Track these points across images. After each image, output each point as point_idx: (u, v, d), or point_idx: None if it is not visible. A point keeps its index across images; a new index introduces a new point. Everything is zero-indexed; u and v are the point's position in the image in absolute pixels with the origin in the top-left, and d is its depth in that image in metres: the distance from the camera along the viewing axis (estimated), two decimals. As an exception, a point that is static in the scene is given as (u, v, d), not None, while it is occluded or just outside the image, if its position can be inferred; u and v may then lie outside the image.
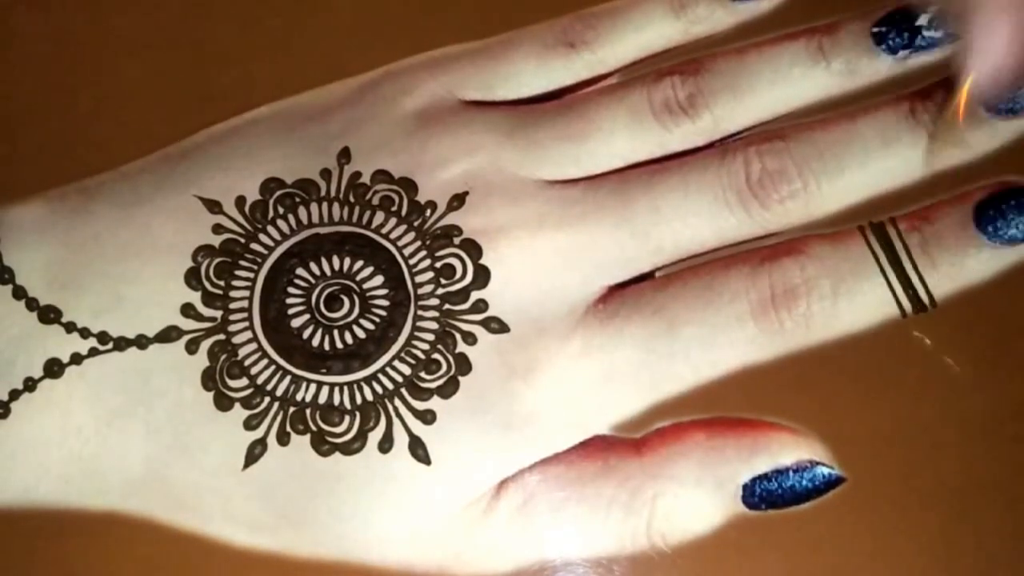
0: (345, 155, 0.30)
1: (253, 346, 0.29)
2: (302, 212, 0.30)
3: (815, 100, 0.30)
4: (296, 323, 0.29)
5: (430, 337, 0.28)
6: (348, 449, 0.28)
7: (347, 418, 0.28)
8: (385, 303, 0.29)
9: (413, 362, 0.28)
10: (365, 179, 0.30)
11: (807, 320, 0.28)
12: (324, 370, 0.28)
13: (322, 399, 0.28)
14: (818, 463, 0.28)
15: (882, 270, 0.28)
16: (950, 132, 0.29)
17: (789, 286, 0.28)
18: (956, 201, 0.29)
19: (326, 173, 0.30)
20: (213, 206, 0.30)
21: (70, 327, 0.28)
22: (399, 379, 0.28)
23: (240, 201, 0.30)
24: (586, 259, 0.29)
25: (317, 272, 0.29)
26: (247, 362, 0.28)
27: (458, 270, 0.29)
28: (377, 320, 0.29)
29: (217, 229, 0.29)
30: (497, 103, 0.31)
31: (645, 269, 0.29)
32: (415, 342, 0.28)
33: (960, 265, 0.28)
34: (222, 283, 0.29)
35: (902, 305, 0.28)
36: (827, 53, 0.30)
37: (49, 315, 0.28)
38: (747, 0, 0.31)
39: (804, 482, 0.28)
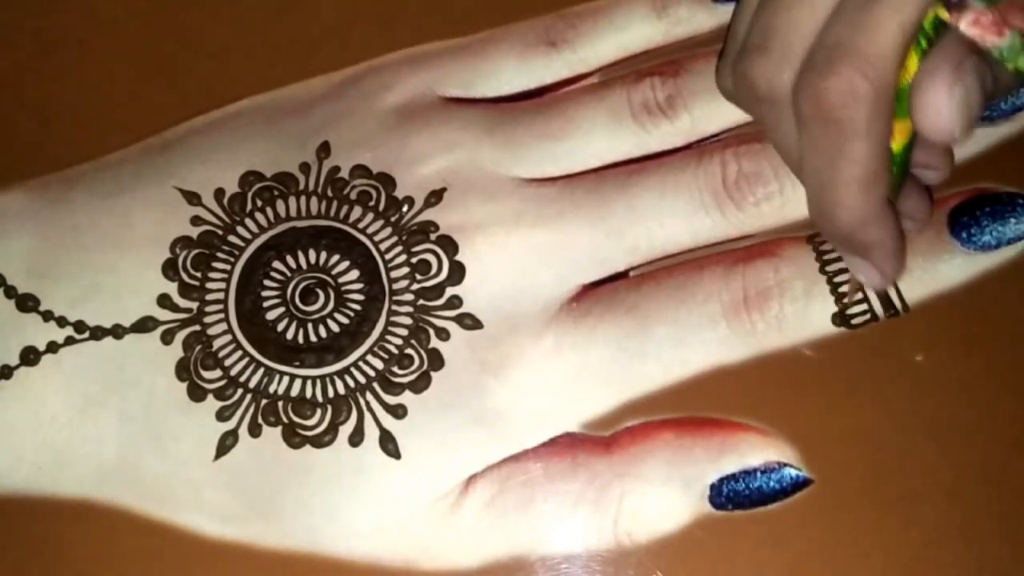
0: (324, 149, 0.30)
1: (228, 338, 0.29)
2: (280, 205, 0.30)
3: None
4: (271, 316, 0.29)
5: (404, 332, 0.29)
6: (319, 442, 0.28)
7: (319, 411, 0.28)
8: (360, 297, 0.29)
9: (386, 357, 0.28)
10: (344, 174, 0.30)
11: (779, 322, 0.28)
12: (297, 363, 0.28)
13: (294, 392, 0.28)
14: (786, 464, 0.28)
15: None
16: None
17: (762, 288, 0.28)
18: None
19: (305, 167, 0.30)
20: (192, 198, 0.30)
21: (47, 315, 0.29)
22: (372, 373, 0.28)
23: (219, 193, 0.30)
24: (561, 257, 0.29)
25: (293, 265, 0.29)
26: (221, 353, 0.29)
27: (433, 266, 0.29)
28: (351, 314, 0.29)
29: (195, 221, 0.30)
30: (477, 100, 0.31)
31: (619, 268, 0.29)
32: (389, 337, 0.29)
33: (933, 270, 0.28)
34: (199, 275, 0.29)
35: (873, 308, 0.28)
36: (807, 56, 0.30)
37: (27, 303, 0.29)
38: (728, 2, 0.31)
39: (771, 483, 0.28)
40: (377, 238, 0.29)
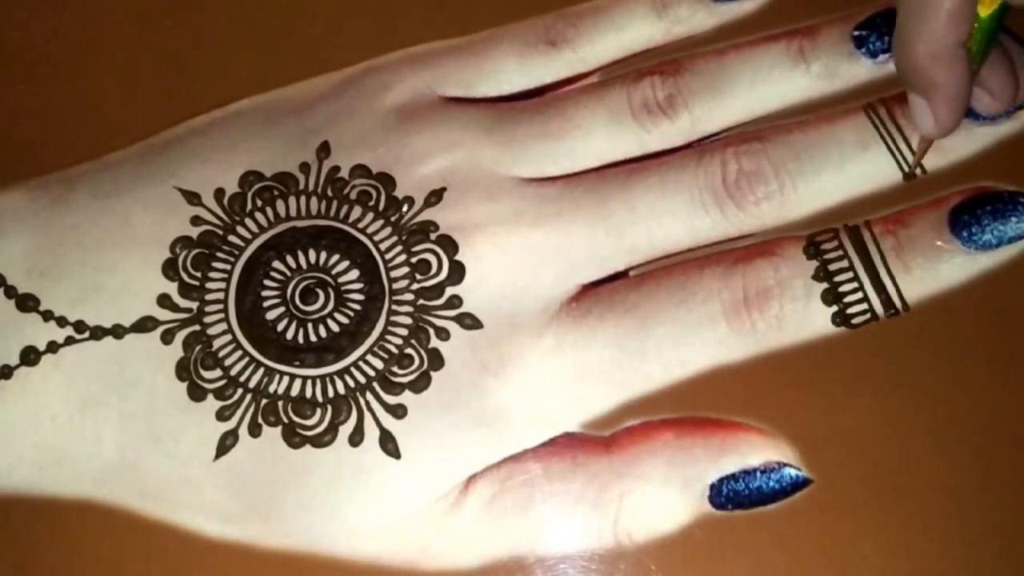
0: (324, 149, 0.30)
1: (228, 338, 0.29)
2: (280, 205, 0.30)
3: (794, 102, 0.31)
4: (271, 315, 0.29)
5: (404, 332, 0.29)
6: (319, 442, 0.28)
7: (319, 411, 0.28)
8: (360, 297, 0.29)
9: (386, 356, 0.28)
10: (343, 173, 0.30)
11: (779, 321, 0.28)
12: (297, 363, 0.28)
13: (294, 392, 0.28)
14: (786, 464, 0.28)
15: (855, 273, 0.28)
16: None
17: (762, 287, 0.28)
18: (931, 206, 0.29)
19: (305, 167, 0.30)
20: (192, 198, 0.30)
21: (47, 315, 0.29)
22: (372, 373, 0.28)
23: (219, 193, 0.30)
24: (561, 257, 0.29)
25: (293, 265, 0.29)
26: (221, 353, 0.29)
27: (433, 266, 0.29)
28: (351, 314, 0.29)
29: (195, 221, 0.30)
30: (477, 100, 0.31)
31: (619, 268, 0.29)
32: (389, 337, 0.29)
33: (933, 270, 0.28)
34: (199, 274, 0.29)
35: (874, 308, 0.28)
36: (807, 56, 0.30)
37: (27, 303, 0.29)
38: (728, 1, 0.31)
39: (771, 483, 0.28)
40: (377, 238, 0.29)
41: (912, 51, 0.26)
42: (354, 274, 0.29)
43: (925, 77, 0.26)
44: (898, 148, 0.29)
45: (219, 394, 0.28)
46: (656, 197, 0.29)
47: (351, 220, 0.30)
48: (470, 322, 0.29)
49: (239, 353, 0.29)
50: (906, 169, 0.29)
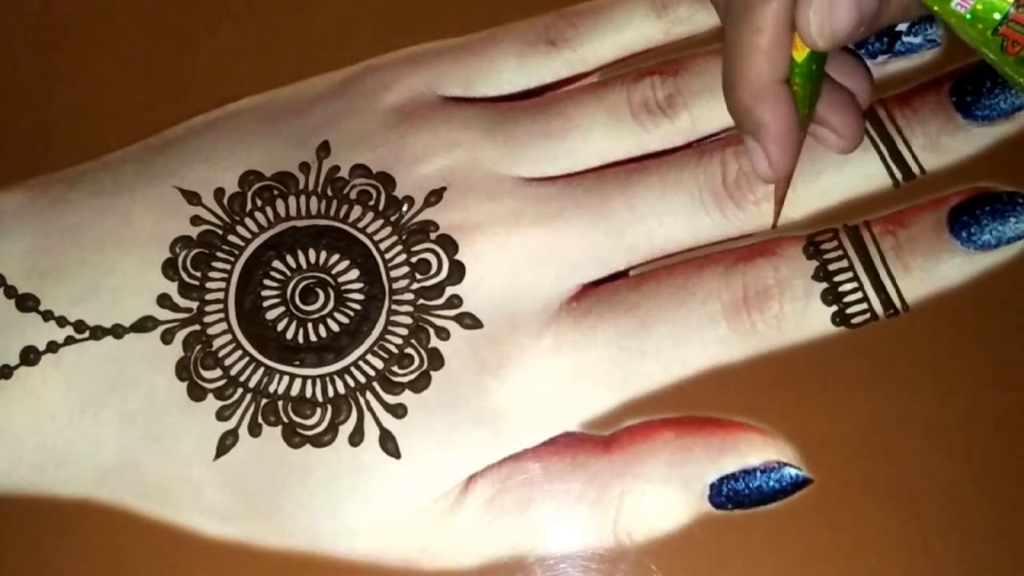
0: (324, 149, 0.30)
1: (228, 337, 0.29)
2: (280, 205, 0.30)
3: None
4: (271, 315, 0.29)
5: (404, 332, 0.29)
6: (319, 441, 0.28)
7: (319, 411, 0.28)
8: (360, 297, 0.29)
9: (386, 356, 0.28)
10: (343, 173, 0.30)
11: (779, 321, 0.28)
12: (297, 362, 0.28)
13: (294, 391, 0.28)
14: (785, 464, 0.28)
15: (855, 273, 0.28)
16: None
17: (762, 287, 0.28)
18: (931, 206, 0.29)
19: (305, 167, 0.30)
20: (192, 197, 0.30)
21: (47, 315, 0.29)
22: (372, 373, 0.28)
23: (219, 193, 0.30)
24: (561, 257, 0.29)
25: (293, 265, 0.29)
26: (221, 353, 0.29)
27: (433, 265, 0.29)
28: (351, 314, 0.29)
29: (195, 220, 0.30)
30: (477, 100, 0.31)
31: (619, 268, 0.29)
32: (389, 336, 0.29)
33: (933, 270, 0.28)
34: (199, 274, 0.29)
35: (874, 308, 0.28)
36: (806, 55, 0.30)
37: (27, 303, 0.29)
38: (728, 1, 0.31)
39: (771, 483, 0.28)
40: (377, 237, 0.29)
41: (737, 93, 0.26)
42: (354, 274, 0.29)
43: (751, 117, 0.26)
44: (891, 153, 0.29)
45: (219, 394, 0.28)
46: (656, 197, 0.29)
47: (351, 220, 0.30)
48: (470, 322, 0.29)
49: (239, 353, 0.29)
50: (897, 175, 0.29)
